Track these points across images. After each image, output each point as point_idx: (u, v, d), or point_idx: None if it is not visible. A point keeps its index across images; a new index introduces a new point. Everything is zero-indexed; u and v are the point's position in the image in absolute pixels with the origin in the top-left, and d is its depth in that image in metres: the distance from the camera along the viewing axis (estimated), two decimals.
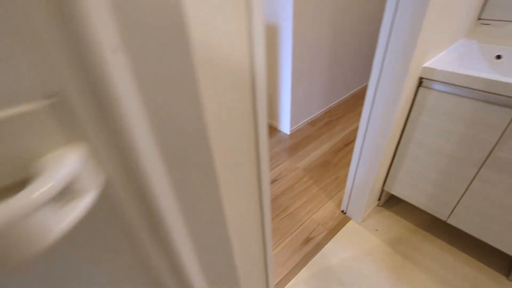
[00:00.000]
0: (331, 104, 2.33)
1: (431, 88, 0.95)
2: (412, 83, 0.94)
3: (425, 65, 0.93)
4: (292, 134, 2.05)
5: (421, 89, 0.98)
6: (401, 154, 1.15)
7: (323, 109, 2.27)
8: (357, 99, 2.47)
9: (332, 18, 1.81)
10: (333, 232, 1.30)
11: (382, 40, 0.88)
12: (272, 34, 1.71)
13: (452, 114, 0.93)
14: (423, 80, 0.96)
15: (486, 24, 1.13)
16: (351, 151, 1.84)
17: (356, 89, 2.55)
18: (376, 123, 1.03)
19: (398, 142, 1.15)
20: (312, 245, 1.25)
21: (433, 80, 0.93)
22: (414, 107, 1.02)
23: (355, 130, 2.06)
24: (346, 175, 1.63)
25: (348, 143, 1.92)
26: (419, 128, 1.05)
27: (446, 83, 0.90)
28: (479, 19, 1.15)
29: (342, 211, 1.40)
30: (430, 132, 1.02)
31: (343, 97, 2.43)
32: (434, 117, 0.98)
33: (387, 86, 0.93)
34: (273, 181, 1.63)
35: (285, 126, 2.05)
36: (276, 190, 1.57)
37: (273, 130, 2.11)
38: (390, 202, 1.43)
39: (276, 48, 1.74)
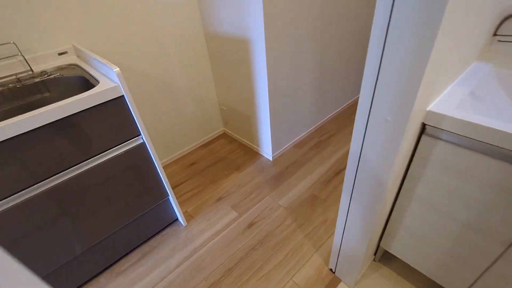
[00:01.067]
0: (321, 121, 2.07)
1: (439, 138, 0.70)
2: (412, 130, 0.69)
3: (430, 108, 0.68)
4: (276, 160, 1.79)
5: (424, 137, 0.73)
6: (400, 210, 0.90)
7: (311, 128, 2.01)
8: (351, 112, 2.21)
9: (316, 24, 1.55)
10: None
11: (366, 85, 0.62)
12: (243, 49, 1.45)
13: (469, 175, 0.68)
14: (427, 126, 0.71)
15: (505, 41, 0.87)
16: (342, 182, 1.59)
17: (349, 102, 2.29)
18: (367, 178, 0.78)
19: (397, 194, 0.90)
20: None
21: (441, 129, 0.68)
22: (416, 158, 0.77)
23: (348, 152, 1.81)
24: (336, 216, 1.38)
25: (340, 171, 1.67)
26: (422, 183, 0.79)
27: (460, 135, 0.65)
28: (495, 34, 0.89)
29: (331, 269, 1.15)
30: (437, 190, 0.77)
31: (335, 112, 2.18)
32: (444, 174, 0.73)
33: (378, 139, 0.67)
34: (250, 225, 1.38)
35: (267, 151, 1.79)
36: (252, 238, 1.32)
37: (254, 155, 1.86)
38: (388, 255, 1.18)
39: (249, 64, 1.48)
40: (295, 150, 1.87)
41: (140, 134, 1.07)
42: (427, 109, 0.68)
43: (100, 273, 1.26)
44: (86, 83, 1.07)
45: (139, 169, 1.12)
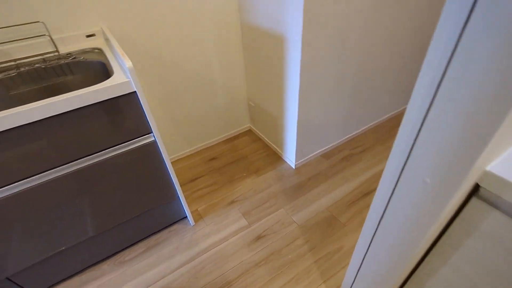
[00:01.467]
0: (355, 132, 1.88)
1: (495, 207, 0.53)
2: (459, 192, 0.53)
3: (490, 168, 0.51)
4: (298, 169, 1.67)
5: (475, 200, 0.56)
6: (428, 270, 0.75)
7: (343, 138, 1.83)
8: (392, 126, 1.98)
9: (363, 25, 1.36)
10: None
11: (405, 129, 0.47)
12: (278, 45, 1.32)
13: None
14: (481, 189, 0.54)
15: None
16: (369, 207, 1.42)
17: (390, 114, 2.05)
18: (390, 239, 0.64)
19: (427, 251, 0.74)
20: None
21: (502, 198, 0.51)
22: (459, 221, 0.61)
23: (382, 172, 1.62)
24: (353, 246, 1.24)
25: (368, 193, 1.50)
26: (462, 253, 0.63)
27: None
28: None
29: None
30: (481, 266, 0.61)
31: (372, 123, 1.96)
32: (494, 250, 0.57)
33: (409, 203, 0.53)
34: (258, 238, 1.30)
35: (291, 157, 1.67)
36: (258, 253, 1.23)
37: (277, 159, 1.75)
38: None
39: (282, 62, 1.35)
40: (321, 160, 1.72)
41: (151, 132, 1.01)
42: (486, 168, 0.51)
43: (105, 259, 1.27)
44: (106, 71, 1.03)
45: (148, 168, 1.08)
